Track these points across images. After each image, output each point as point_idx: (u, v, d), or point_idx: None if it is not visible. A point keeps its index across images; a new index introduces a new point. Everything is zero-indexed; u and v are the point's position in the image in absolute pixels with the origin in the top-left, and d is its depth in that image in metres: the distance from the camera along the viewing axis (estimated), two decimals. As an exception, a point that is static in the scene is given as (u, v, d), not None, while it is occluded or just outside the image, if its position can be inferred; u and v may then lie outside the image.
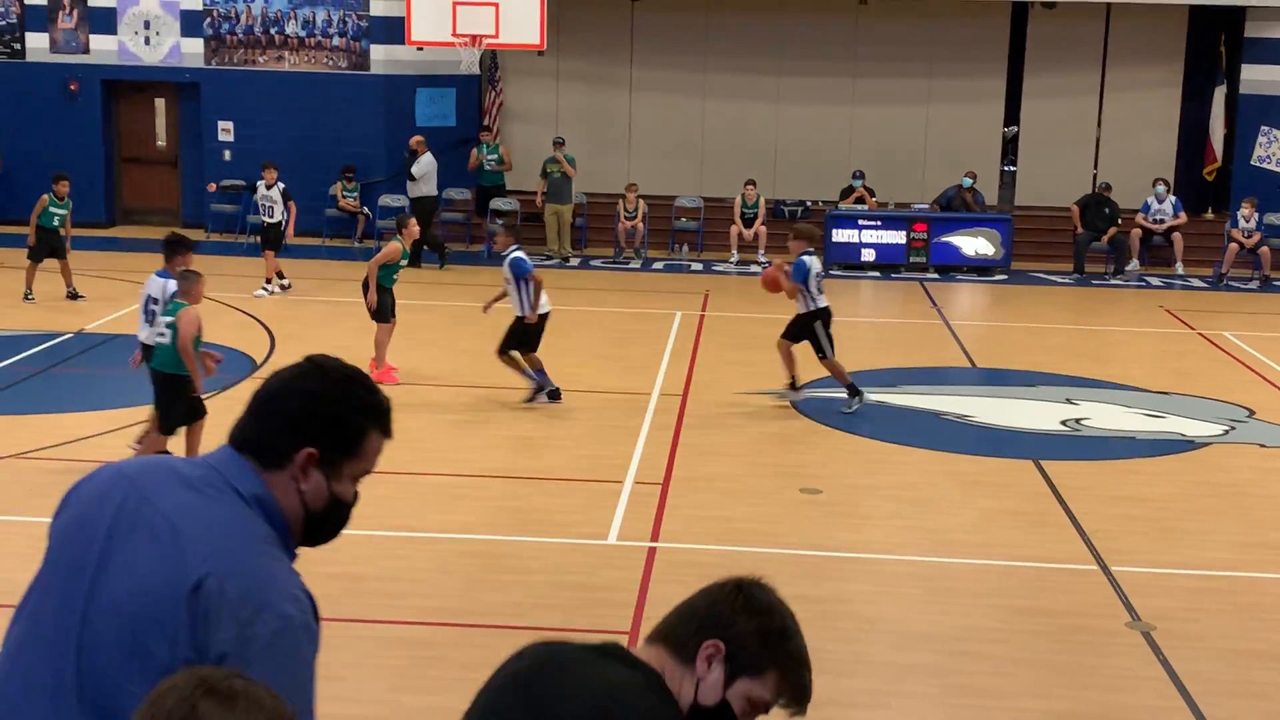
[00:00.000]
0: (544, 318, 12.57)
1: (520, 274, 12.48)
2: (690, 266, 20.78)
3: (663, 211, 21.85)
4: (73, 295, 16.37)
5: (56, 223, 16.36)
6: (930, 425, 12.62)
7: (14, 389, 12.71)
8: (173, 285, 10.08)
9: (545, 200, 20.77)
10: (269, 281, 17.40)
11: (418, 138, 20.16)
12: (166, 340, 9.74)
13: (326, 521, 2.80)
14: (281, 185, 17.77)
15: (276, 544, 2.69)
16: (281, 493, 2.73)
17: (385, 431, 2.83)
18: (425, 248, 18.90)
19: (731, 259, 20.84)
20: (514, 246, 12.75)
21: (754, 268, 20.54)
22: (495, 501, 9.97)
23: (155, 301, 10.31)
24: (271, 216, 17.63)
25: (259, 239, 18.21)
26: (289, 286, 17.64)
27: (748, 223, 20.97)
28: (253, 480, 2.71)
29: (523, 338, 12.53)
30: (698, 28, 22.69)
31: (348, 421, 2.76)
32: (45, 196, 16.31)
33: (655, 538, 9.30)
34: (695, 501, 10.09)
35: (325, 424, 2.74)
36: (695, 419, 12.31)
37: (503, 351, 12.59)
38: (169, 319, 9.70)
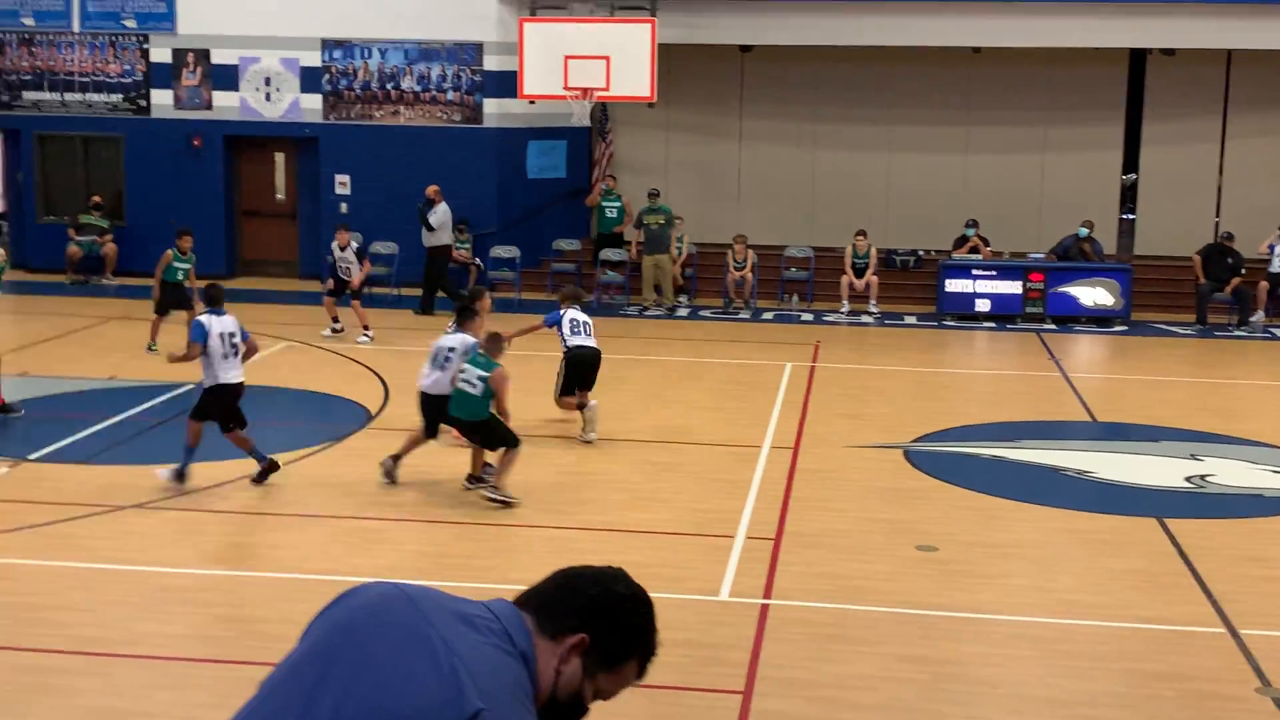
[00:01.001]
0: None
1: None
2: (800, 317, 20.65)
3: (772, 261, 21.78)
4: None
5: (180, 276, 16.73)
6: (1049, 481, 12.33)
7: (138, 439, 12.97)
8: (470, 339, 11.39)
9: (643, 251, 20.82)
10: (367, 329, 17.68)
11: (433, 187, 20.43)
12: (476, 392, 10.90)
13: (559, 712, 2.81)
14: (355, 245, 18.30)
15: (532, 704, 2.75)
16: (543, 662, 2.77)
17: (641, 671, 2.91)
18: (440, 295, 19.43)
19: (842, 309, 20.68)
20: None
21: (865, 318, 20.36)
22: (604, 556, 9.87)
23: (453, 351, 11.35)
24: (349, 276, 18.02)
25: (334, 289, 18.32)
26: (340, 331, 17.97)
27: (859, 272, 20.81)
28: (525, 638, 2.76)
29: None
30: (808, 77, 22.66)
31: (627, 637, 2.85)
32: (169, 251, 16.69)
33: (768, 594, 9.18)
34: (808, 558, 9.95)
35: (611, 625, 2.82)
36: (807, 473, 12.17)
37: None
38: (481, 373, 10.92)
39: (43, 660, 7.93)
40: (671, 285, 21.01)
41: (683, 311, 20.80)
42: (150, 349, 16.45)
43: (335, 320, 18.04)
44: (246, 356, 11.57)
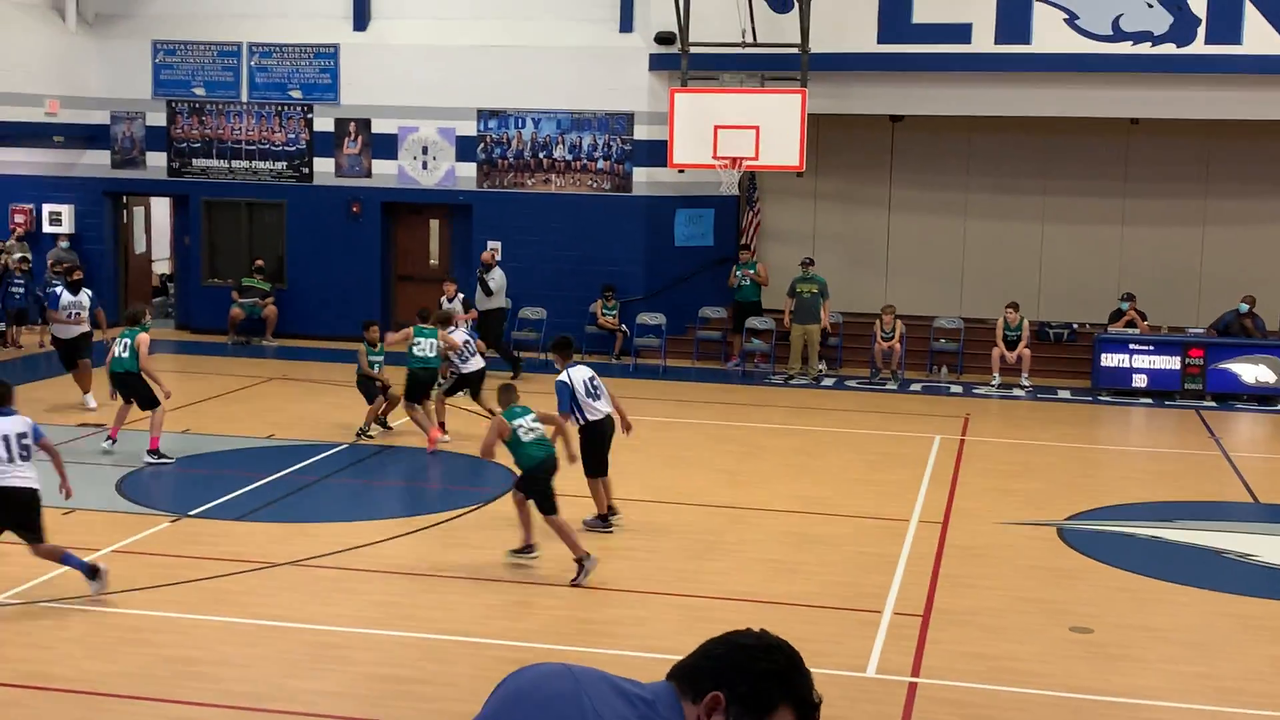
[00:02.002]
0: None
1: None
2: (949, 389, 20.35)
3: (921, 332, 21.54)
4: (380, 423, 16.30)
5: (376, 369, 16.32)
6: (1210, 563, 11.91)
7: (293, 497, 13.28)
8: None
9: (793, 320, 20.74)
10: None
11: (490, 251, 20.84)
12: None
13: None
14: (461, 296, 18.95)
15: None
16: None
17: (801, 714, 2.86)
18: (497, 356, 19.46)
19: (993, 382, 20.33)
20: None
21: (1017, 391, 19.99)
22: (744, 625, 9.82)
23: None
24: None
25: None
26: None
27: (1010, 345, 20.46)
28: (674, 709, 2.85)
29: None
30: (959, 146, 22.49)
31: (761, 683, 2.84)
32: (361, 347, 16.20)
33: (916, 673, 9.00)
34: (957, 636, 9.73)
35: (743, 677, 2.83)
36: (957, 549, 11.93)
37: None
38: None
39: (197, 714, 8.12)
40: (817, 354, 20.89)
41: (828, 381, 20.66)
42: (364, 434, 15.84)
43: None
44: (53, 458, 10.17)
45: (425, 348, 15.53)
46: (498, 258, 21.03)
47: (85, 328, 17.18)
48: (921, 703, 8.49)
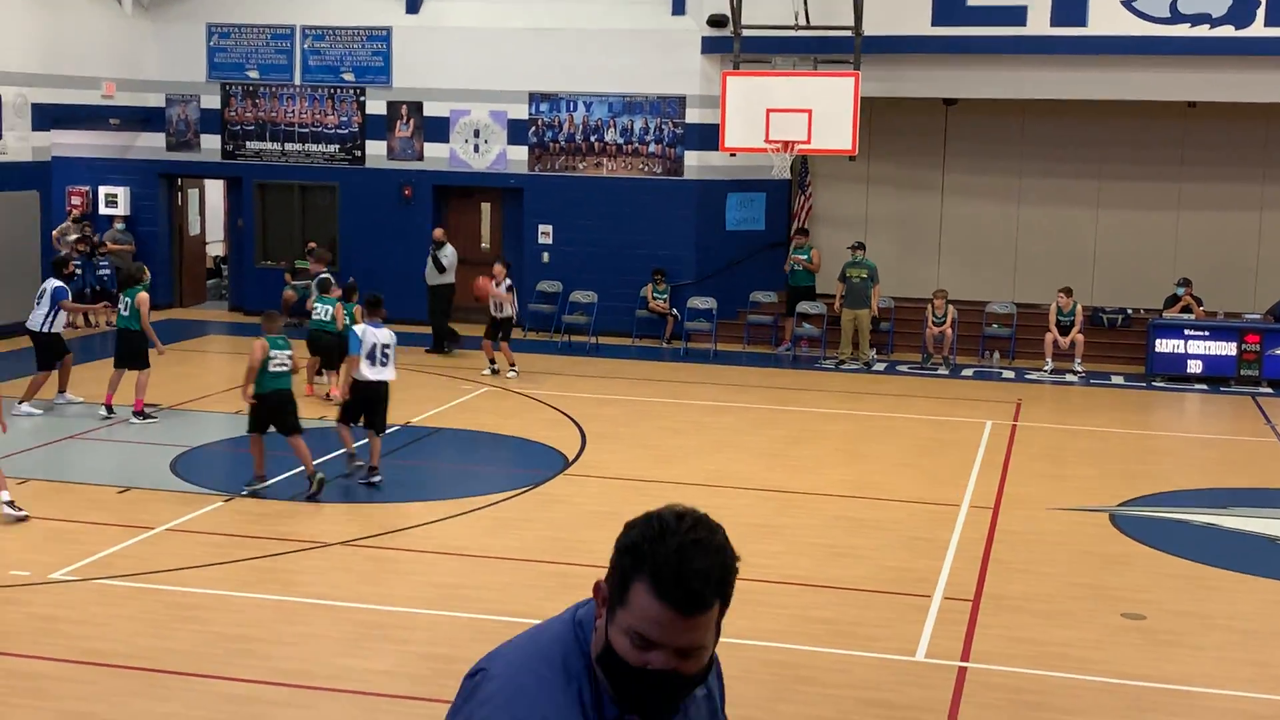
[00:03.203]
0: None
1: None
2: (1001, 374, 20.20)
3: (973, 317, 21.39)
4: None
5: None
6: (1265, 551, 11.78)
7: (343, 478, 13.35)
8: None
9: (844, 305, 20.63)
10: (511, 366, 18.66)
11: (440, 230, 21.33)
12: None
13: (610, 673, 2.53)
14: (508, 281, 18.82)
15: (574, 661, 2.58)
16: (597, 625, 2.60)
17: (659, 592, 2.41)
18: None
19: (1045, 367, 20.16)
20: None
21: (1070, 377, 19.82)
22: (797, 610, 9.83)
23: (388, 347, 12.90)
24: (500, 313, 18.66)
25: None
26: (497, 373, 18.72)
27: (1064, 330, 20.28)
28: (590, 607, 2.64)
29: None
30: (1013, 131, 22.28)
31: (617, 562, 2.50)
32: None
33: (965, 657, 8.95)
34: (1007, 621, 9.68)
35: (613, 560, 2.54)
36: (1007, 534, 11.86)
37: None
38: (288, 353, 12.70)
39: (250, 690, 8.21)
40: (868, 340, 20.79)
41: (879, 366, 20.56)
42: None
43: (493, 361, 18.79)
44: None
45: (322, 313, 16.81)
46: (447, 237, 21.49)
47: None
48: (971, 687, 8.45)
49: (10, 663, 8.46)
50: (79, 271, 21.71)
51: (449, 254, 20.89)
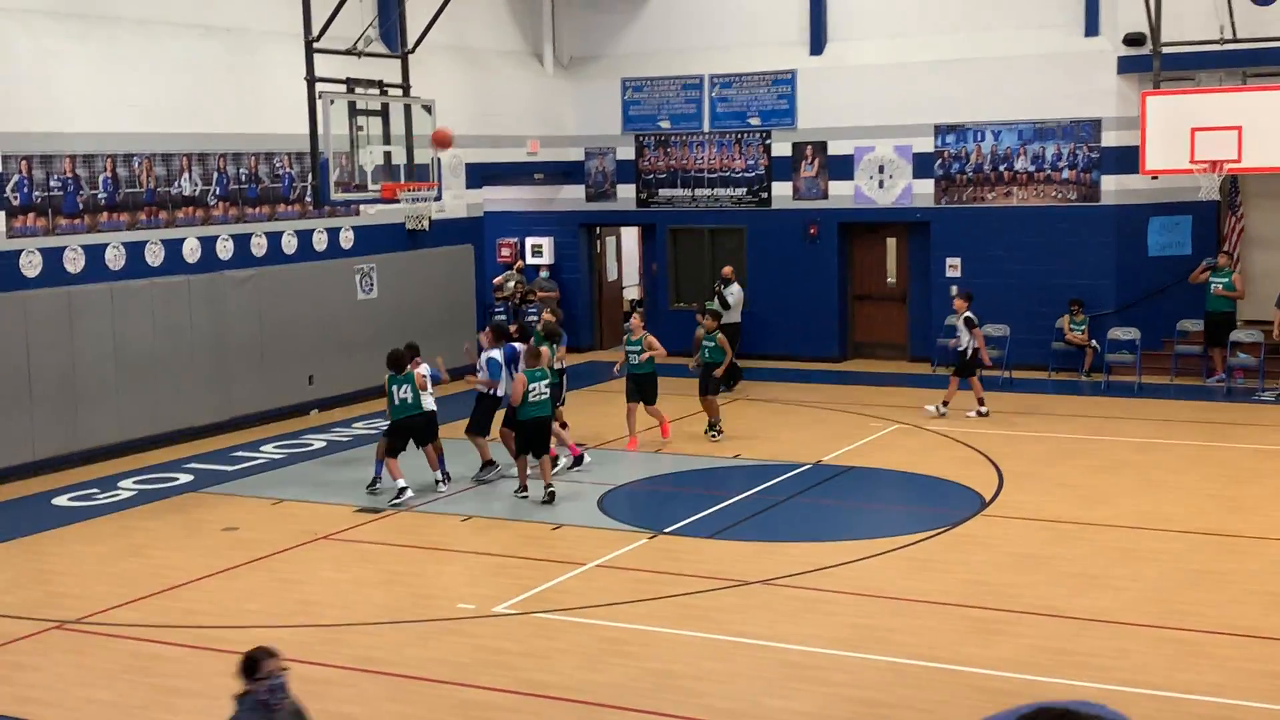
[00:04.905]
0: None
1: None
2: None
3: None
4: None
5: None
6: None
7: (760, 516, 13.58)
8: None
9: (1286, 333, 19.16)
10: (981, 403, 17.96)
11: (729, 268, 21.84)
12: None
13: None
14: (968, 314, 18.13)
15: None
16: None
17: None
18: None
19: None
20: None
21: None
22: (1241, 664, 9.19)
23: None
24: (959, 347, 18.10)
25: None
26: (986, 414, 17.92)
27: None
28: None
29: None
30: None
31: None
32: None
33: None
34: None
35: None
36: None
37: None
38: (547, 383, 14.21)
39: (681, 725, 8.44)
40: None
41: (1327, 397, 18.97)
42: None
43: (981, 402, 18.11)
44: None
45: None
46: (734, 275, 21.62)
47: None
48: None
49: (465, 693, 9.05)
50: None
51: (735, 292, 21.25)
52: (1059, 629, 10.01)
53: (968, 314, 18.08)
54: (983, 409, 17.92)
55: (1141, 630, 9.93)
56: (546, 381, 14.19)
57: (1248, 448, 16.06)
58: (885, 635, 9.96)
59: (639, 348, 16.72)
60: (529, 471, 14.30)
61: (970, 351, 18.05)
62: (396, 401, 14.17)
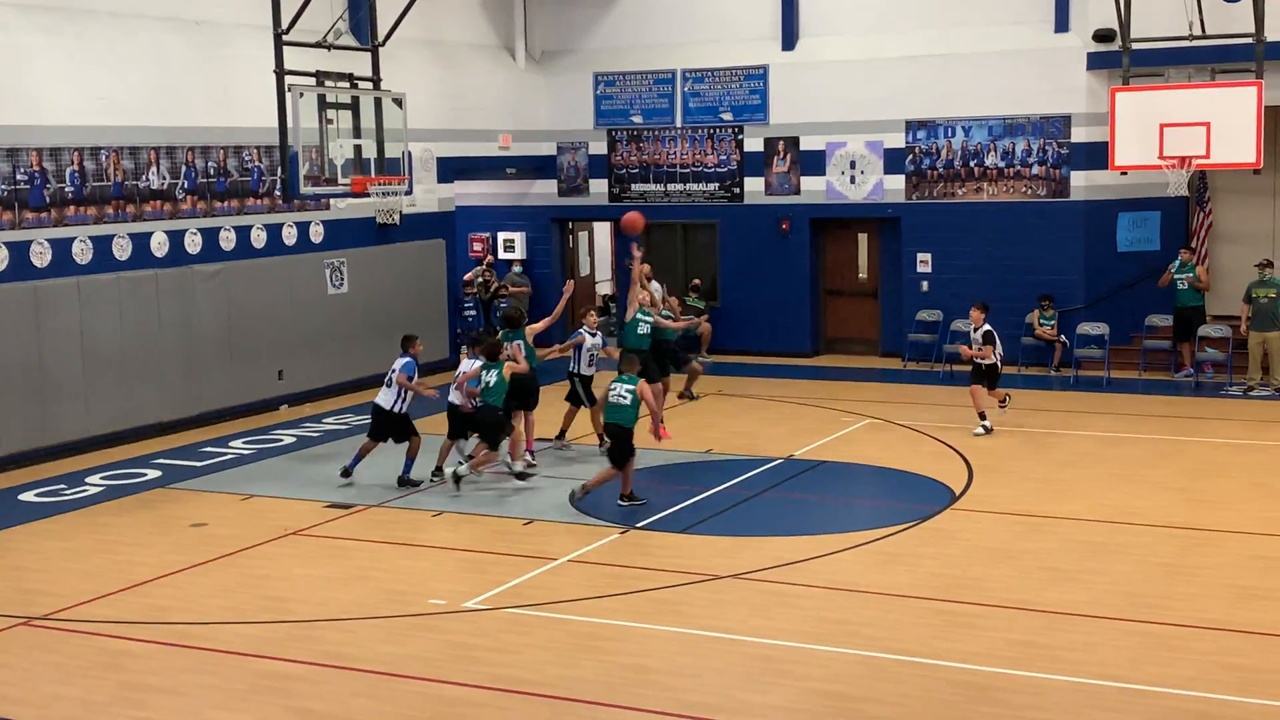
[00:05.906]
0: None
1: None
2: None
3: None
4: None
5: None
6: None
7: (732, 511, 13.59)
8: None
9: (1250, 327, 19.28)
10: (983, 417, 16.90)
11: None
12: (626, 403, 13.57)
13: None
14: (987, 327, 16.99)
15: None
16: None
17: None
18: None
19: None
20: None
21: None
22: (1209, 656, 9.25)
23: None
24: (984, 358, 16.81)
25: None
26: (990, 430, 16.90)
27: None
28: None
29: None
30: None
31: None
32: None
33: None
34: None
35: None
36: None
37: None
38: (630, 387, 13.57)
39: (653, 720, 8.44)
40: (1278, 363, 19.36)
41: (1294, 393, 19.14)
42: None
43: (983, 416, 16.89)
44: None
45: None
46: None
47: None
48: None
49: (437, 689, 9.02)
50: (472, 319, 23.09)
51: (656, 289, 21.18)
52: (1029, 622, 10.06)
53: (986, 327, 17.27)
54: (986, 422, 17.00)
55: (1111, 623, 9.98)
56: (628, 387, 13.61)
57: (1216, 441, 16.17)
58: (856, 629, 9.98)
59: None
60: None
61: (999, 363, 17.02)
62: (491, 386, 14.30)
